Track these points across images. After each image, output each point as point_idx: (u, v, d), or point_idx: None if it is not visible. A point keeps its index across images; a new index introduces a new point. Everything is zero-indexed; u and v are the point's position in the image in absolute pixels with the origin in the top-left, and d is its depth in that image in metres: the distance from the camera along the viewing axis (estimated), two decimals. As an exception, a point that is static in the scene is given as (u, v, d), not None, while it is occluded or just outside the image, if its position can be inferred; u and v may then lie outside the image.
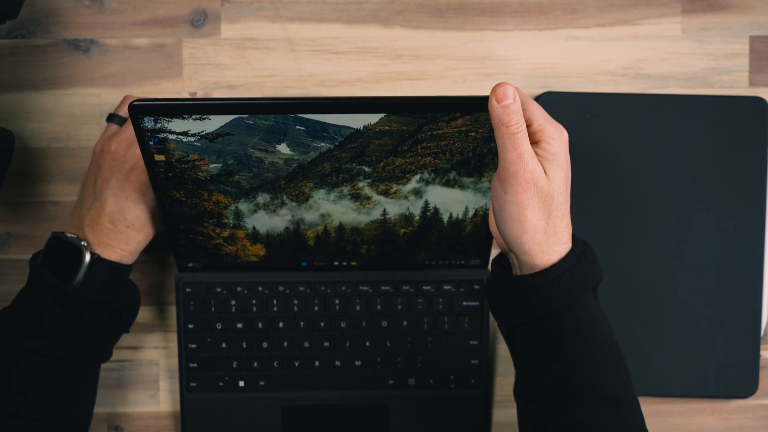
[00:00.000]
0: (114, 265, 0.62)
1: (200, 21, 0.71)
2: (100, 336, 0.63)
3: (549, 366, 0.55)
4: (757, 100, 0.70)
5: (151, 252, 0.72)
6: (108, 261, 0.62)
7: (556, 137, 0.54)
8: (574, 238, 0.57)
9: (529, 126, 0.54)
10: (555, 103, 0.70)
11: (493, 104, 0.52)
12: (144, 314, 0.73)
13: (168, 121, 0.56)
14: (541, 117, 0.54)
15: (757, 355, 0.71)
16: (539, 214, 0.54)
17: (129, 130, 0.64)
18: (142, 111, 0.55)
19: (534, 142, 0.54)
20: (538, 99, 0.70)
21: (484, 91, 0.71)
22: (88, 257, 0.61)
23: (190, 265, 0.69)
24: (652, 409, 0.73)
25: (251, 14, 0.71)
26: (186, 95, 0.71)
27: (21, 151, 0.71)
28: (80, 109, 0.71)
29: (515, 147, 0.52)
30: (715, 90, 0.72)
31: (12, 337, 0.60)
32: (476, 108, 0.56)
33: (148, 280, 0.73)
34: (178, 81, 0.71)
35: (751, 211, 0.71)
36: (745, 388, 0.72)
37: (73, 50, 0.71)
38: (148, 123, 0.56)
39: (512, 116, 0.52)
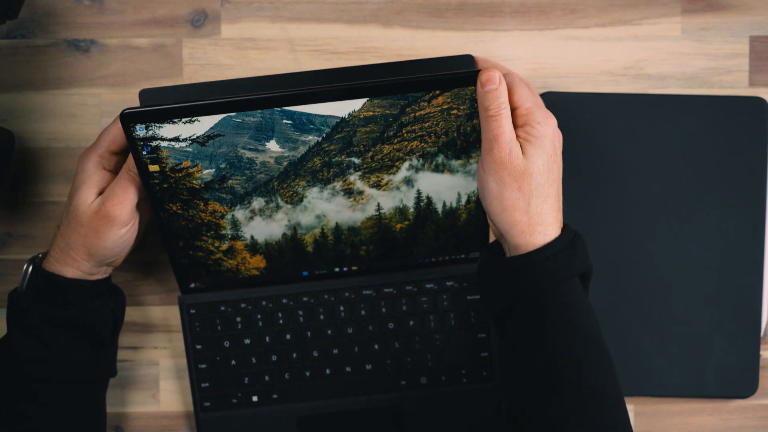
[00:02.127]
0: (50, 276, 0.61)
1: (200, 21, 0.71)
2: (68, 353, 0.62)
3: (531, 355, 0.56)
4: (757, 100, 0.70)
5: (150, 252, 0.72)
6: (47, 271, 0.61)
7: (543, 122, 0.57)
8: (566, 228, 0.58)
9: (516, 109, 0.57)
10: (555, 103, 0.70)
11: (478, 88, 0.56)
12: (144, 314, 0.73)
13: (159, 127, 0.57)
14: (529, 101, 0.57)
15: (757, 355, 0.71)
16: (517, 193, 0.56)
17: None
18: (133, 119, 0.56)
19: (520, 125, 0.56)
20: (538, 99, 0.70)
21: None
22: (31, 268, 0.62)
23: (192, 285, 0.69)
24: (652, 409, 0.73)
25: (251, 14, 0.71)
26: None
27: (21, 151, 0.71)
28: (80, 109, 0.71)
29: (491, 129, 0.55)
30: (715, 90, 0.72)
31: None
32: (454, 84, 0.57)
33: (148, 280, 0.73)
34: (178, 81, 0.71)
35: (751, 211, 0.71)
36: (745, 388, 0.72)
37: (73, 50, 0.71)
38: (140, 131, 0.57)
39: (492, 101, 0.55)
